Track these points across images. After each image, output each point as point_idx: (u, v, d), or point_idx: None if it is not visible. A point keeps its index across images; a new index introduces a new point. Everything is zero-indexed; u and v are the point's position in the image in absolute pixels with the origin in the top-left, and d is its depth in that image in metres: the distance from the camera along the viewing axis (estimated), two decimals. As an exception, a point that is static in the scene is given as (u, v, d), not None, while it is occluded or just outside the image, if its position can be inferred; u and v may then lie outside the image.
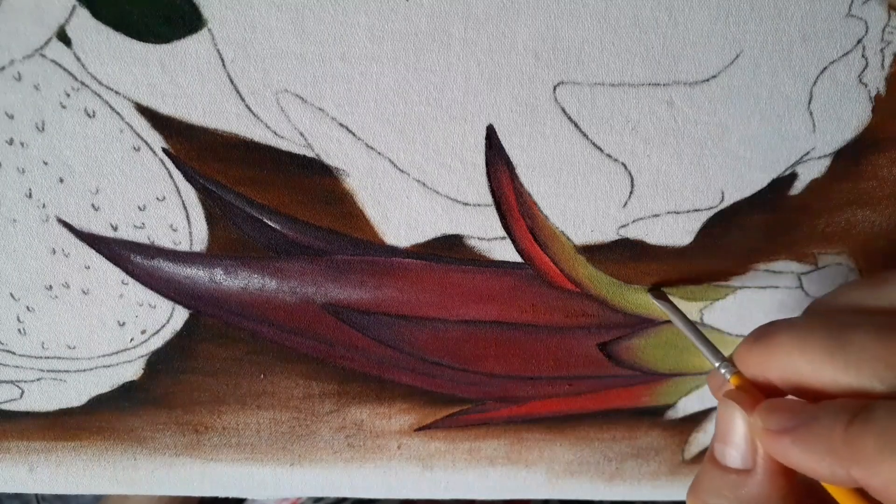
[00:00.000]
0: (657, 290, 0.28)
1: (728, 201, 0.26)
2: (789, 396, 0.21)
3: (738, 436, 0.21)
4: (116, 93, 0.23)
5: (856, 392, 0.19)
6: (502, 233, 0.26)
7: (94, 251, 0.26)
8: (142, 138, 0.24)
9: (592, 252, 0.27)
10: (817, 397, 0.20)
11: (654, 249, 0.27)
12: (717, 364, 0.23)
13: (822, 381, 0.20)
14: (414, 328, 0.28)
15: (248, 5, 0.22)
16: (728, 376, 0.22)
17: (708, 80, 0.24)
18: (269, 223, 0.26)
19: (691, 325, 0.26)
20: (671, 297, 0.28)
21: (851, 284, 0.23)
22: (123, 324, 0.27)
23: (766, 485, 0.21)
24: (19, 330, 0.27)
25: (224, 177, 0.25)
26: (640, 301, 0.28)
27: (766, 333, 0.21)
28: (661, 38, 0.23)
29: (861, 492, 0.19)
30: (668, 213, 0.26)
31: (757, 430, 0.20)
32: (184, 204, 0.25)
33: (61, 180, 0.24)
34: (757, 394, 0.21)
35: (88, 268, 0.26)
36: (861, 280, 0.23)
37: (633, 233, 0.27)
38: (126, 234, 0.26)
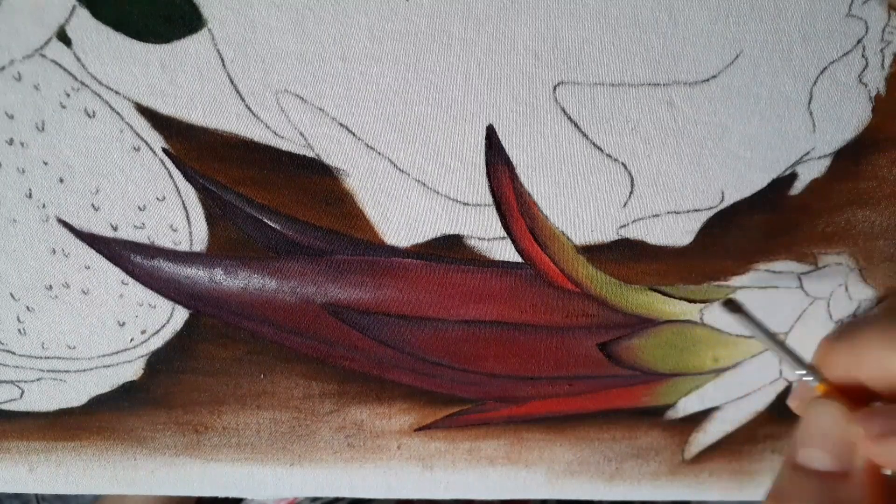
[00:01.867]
0: (732, 303, 0.27)
1: (728, 201, 0.26)
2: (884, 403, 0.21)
3: (830, 437, 0.21)
4: (116, 93, 0.23)
5: None
6: (502, 233, 0.26)
7: (94, 251, 0.26)
8: (142, 138, 0.24)
9: (592, 252, 0.27)
10: None
11: (654, 249, 0.27)
12: (802, 372, 0.23)
13: None
14: (414, 328, 0.28)
15: (248, 5, 0.22)
16: (815, 383, 0.22)
17: (708, 80, 0.24)
18: (269, 223, 0.26)
19: (772, 336, 0.25)
20: (746, 310, 0.27)
21: None
22: (123, 324, 0.27)
23: (863, 487, 0.20)
24: (19, 330, 0.27)
25: (224, 177, 0.25)
26: (640, 301, 0.28)
27: (849, 333, 0.21)
28: (661, 38, 0.23)
29: None
30: (668, 213, 0.26)
31: (859, 437, 0.20)
32: (184, 204, 0.25)
33: (61, 180, 0.24)
34: (846, 398, 0.21)
35: (88, 268, 0.26)
36: None
37: (633, 233, 0.27)
38: (126, 234, 0.26)
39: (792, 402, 0.24)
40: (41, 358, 0.28)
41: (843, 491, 0.21)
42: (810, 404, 0.22)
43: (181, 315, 0.27)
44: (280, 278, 0.27)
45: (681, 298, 0.28)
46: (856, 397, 0.21)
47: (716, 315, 0.29)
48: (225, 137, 0.24)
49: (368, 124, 0.24)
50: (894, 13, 0.23)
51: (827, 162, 0.26)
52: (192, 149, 0.24)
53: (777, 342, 0.25)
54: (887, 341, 0.20)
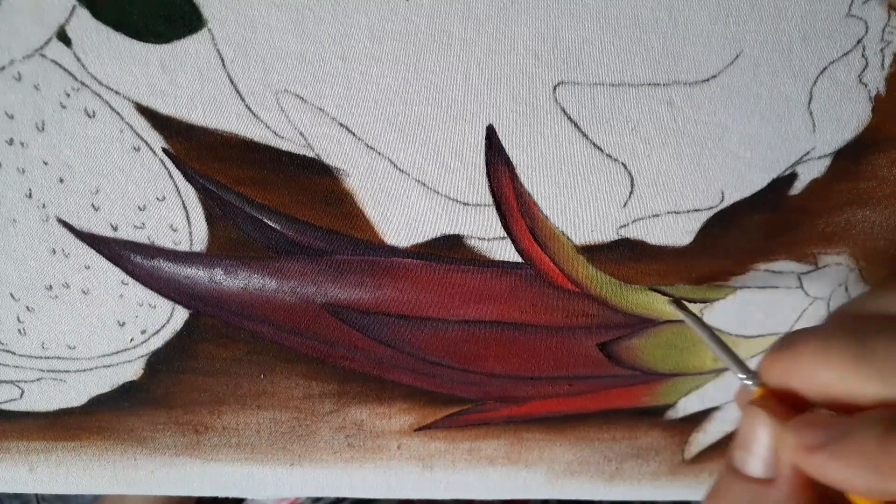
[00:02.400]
0: (678, 301, 0.28)
1: (728, 201, 0.26)
2: (821, 410, 0.21)
3: (760, 445, 0.21)
4: (116, 93, 0.23)
5: (883, 401, 0.19)
6: (502, 233, 0.26)
7: (94, 251, 0.26)
8: (142, 138, 0.24)
9: (592, 252, 0.27)
10: (844, 407, 0.20)
11: (654, 249, 0.27)
12: (742, 376, 0.23)
13: (847, 389, 0.19)
14: (414, 328, 0.28)
15: (248, 5, 0.22)
16: (753, 388, 0.22)
17: (708, 80, 0.24)
18: (269, 223, 0.26)
19: (715, 336, 0.25)
20: (691, 307, 0.27)
21: (876, 290, 0.23)
22: (123, 324, 0.27)
23: (788, 495, 0.20)
24: (19, 330, 0.27)
25: (224, 177, 0.25)
26: (640, 301, 0.28)
27: (789, 343, 0.21)
28: (661, 38, 0.23)
29: None
30: (668, 213, 0.26)
31: (789, 445, 0.20)
32: (184, 204, 0.25)
33: (61, 180, 0.24)
34: (782, 405, 0.21)
35: (88, 268, 0.26)
36: (886, 285, 0.23)
37: (633, 233, 0.27)
38: (126, 234, 0.26)
39: (737, 405, 0.24)
40: (41, 358, 0.28)
41: (769, 497, 0.21)
42: (745, 409, 0.22)
43: (181, 315, 0.27)
44: (280, 278, 0.27)
45: (680, 298, 0.28)
46: (794, 405, 0.21)
47: (716, 315, 0.29)
48: (225, 137, 0.24)
49: (368, 124, 0.24)
50: (894, 13, 0.23)
51: (827, 162, 0.26)
52: (192, 149, 0.24)
53: (720, 344, 0.25)
54: (823, 353, 0.20)
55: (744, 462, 0.21)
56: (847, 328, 0.20)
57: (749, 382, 0.23)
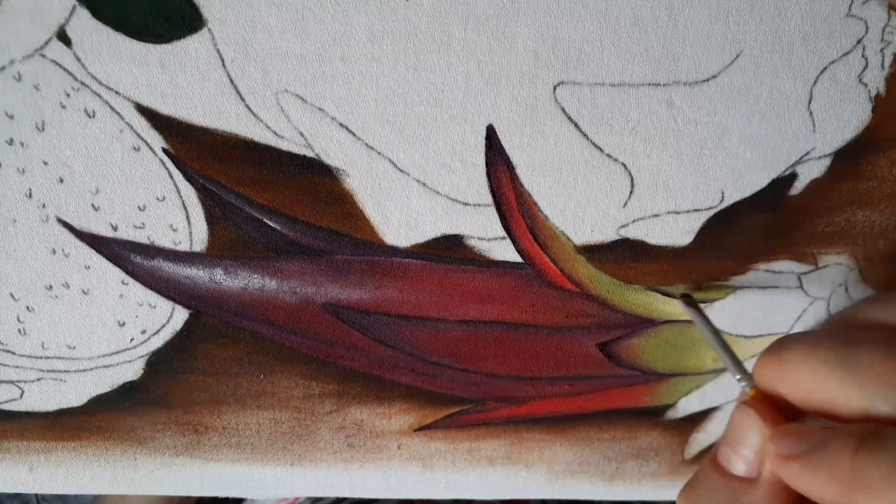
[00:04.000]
0: (688, 297, 0.28)
1: (728, 201, 0.26)
2: (813, 418, 0.21)
3: (747, 445, 0.21)
4: (116, 93, 0.23)
5: (863, 411, 0.19)
6: (502, 233, 0.26)
7: (94, 251, 0.26)
8: (142, 138, 0.24)
9: (592, 252, 0.27)
10: (828, 414, 0.20)
11: (654, 249, 0.27)
12: (738, 376, 0.23)
13: (830, 397, 0.19)
14: (414, 328, 0.28)
15: (248, 5, 0.22)
16: (747, 389, 0.22)
17: (708, 80, 0.24)
18: (269, 223, 0.26)
19: (718, 335, 0.25)
20: (701, 305, 0.27)
21: (871, 299, 0.23)
22: (123, 324, 0.27)
23: (768, 496, 0.21)
24: (19, 330, 0.27)
25: (224, 177, 0.25)
26: (641, 301, 0.28)
27: (779, 347, 0.21)
28: (661, 38, 0.23)
29: None
30: (668, 213, 0.26)
31: (769, 452, 0.20)
32: (184, 204, 0.25)
33: (61, 180, 0.24)
34: (771, 409, 0.21)
35: (88, 268, 0.26)
36: (881, 294, 0.23)
37: (633, 233, 0.27)
38: (126, 234, 0.26)
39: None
40: (41, 358, 0.28)
41: (748, 496, 0.21)
42: (735, 407, 0.22)
43: (181, 315, 0.27)
44: (280, 278, 0.27)
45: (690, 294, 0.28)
46: (786, 409, 0.21)
47: (716, 315, 0.29)
48: (225, 137, 0.24)
49: (368, 124, 0.24)
50: (894, 13, 0.23)
51: (827, 162, 0.26)
52: (192, 149, 0.24)
53: (721, 343, 0.25)
54: (808, 360, 0.20)
55: (728, 459, 0.22)
56: (835, 336, 0.20)
57: (743, 384, 0.23)
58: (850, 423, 0.19)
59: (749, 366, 0.25)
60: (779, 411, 0.21)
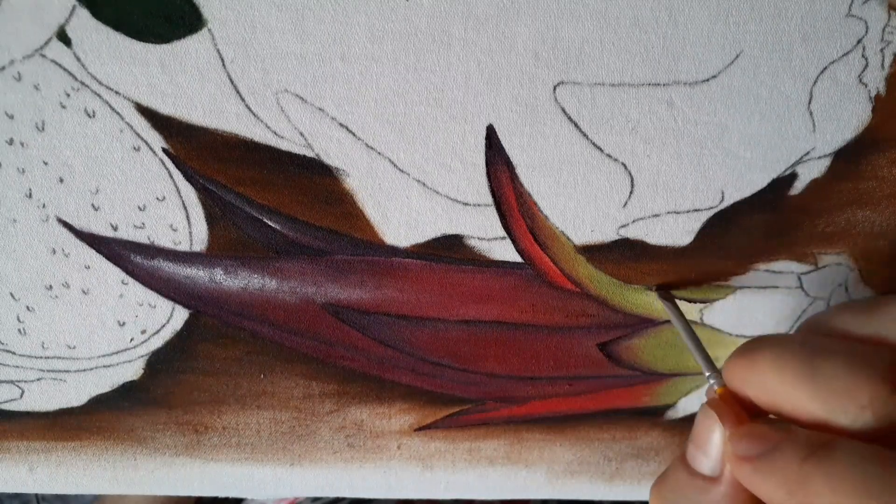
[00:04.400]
0: (665, 291, 0.28)
1: (728, 201, 0.26)
2: (773, 419, 0.21)
3: (711, 445, 0.21)
4: (116, 93, 0.23)
5: (823, 420, 0.19)
6: (502, 233, 0.26)
7: (94, 251, 0.26)
8: (142, 138, 0.24)
9: (592, 252, 0.27)
10: (790, 419, 0.20)
11: (654, 249, 0.27)
12: (707, 373, 0.23)
13: (793, 404, 0.20)
14: (414, 328, 0.28)
15: (248, 5, 0.22)
16: (716, 387, 0.23)
17: (708, 80, 0.24)
18: (269, 223, 0.26)
19: (690, 330, 0.26)
20: (677, 301, 0.28)
21: (846, 305, 0.23)
22: (123, 324, 0.27)
23: (729, 496, 0.21)
24: (19, 330, 0.27)
25: (224, 177, 0.25)
26: (640, 301, 0.28)
27: (749, 349, 0.21)
28: (661, 38, 0.23)
29: None
30: (668, 213, 0.26)
31: (727, 452, 0.21)
32: (184, 204, 0.25)
33: (61, 180, 0.24)
34: (737, 408, 0.21)
35: (88, 268, 0.26)
36: (857, 302, 0.24)
37: (633, 233, 0.27)
38: (126, 234, 0.26)
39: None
40: (41, 358, 0.28)
41: (710, 494, 0.21)
42: (701, 406, 0.22)
43: (181, 315, 0.27)
44: (280, 278, 0.27)
45: (681, 298, 0.28)
46: (750, 410, 0.21)
47: (716, 315, 0.29)
48: (225, 137, 0.24)
49: (368, 124, 0.24)
50: (894, 13, 0.23)
51: (827, 162, 0.26)
52: (192, 149, 0.24)
53: (694, 338, 0.25)
54: (775, 365, 0.20)
55: (693, 458, 0.22)
56: (803, 343, 0.21)
57: (712, 381, 0.23)
58: (809, 428, 0.19)
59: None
60: (745, 409, 0.21)
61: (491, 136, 0.24)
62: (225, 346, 0.28)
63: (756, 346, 0.21)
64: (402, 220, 0.26)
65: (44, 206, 0.25)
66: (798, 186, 0.26)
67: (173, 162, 0.24)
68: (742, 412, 0.21)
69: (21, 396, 0.29)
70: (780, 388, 0.20)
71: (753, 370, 0.21)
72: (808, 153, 0.25)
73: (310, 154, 0.24)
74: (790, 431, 0.19)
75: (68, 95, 0.23)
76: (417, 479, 0.33)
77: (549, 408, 0.31)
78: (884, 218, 0.27)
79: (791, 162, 0.26)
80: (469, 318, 0.28)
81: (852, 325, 0.22)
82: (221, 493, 0.33)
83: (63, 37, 0.22)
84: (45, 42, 0.22)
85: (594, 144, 0.25)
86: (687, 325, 0.26)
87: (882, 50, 0.24)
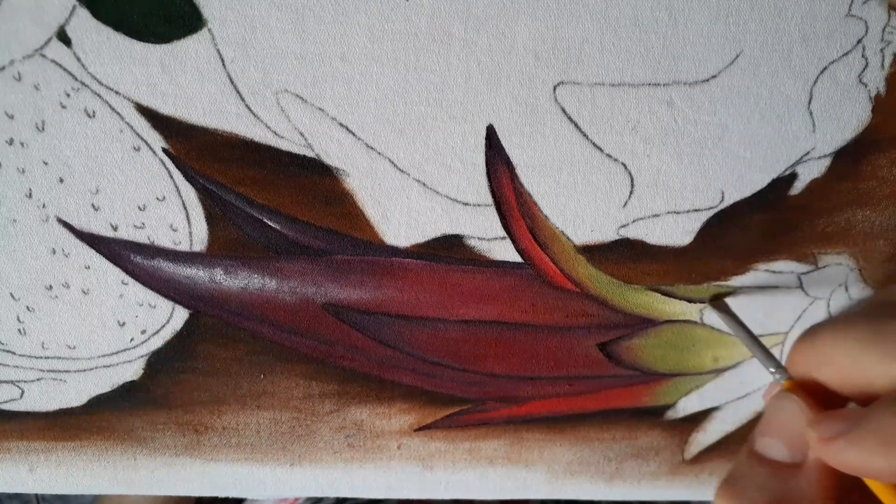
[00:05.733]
0: (718, 301, 0.28)
1: (728, 201, 0.26)
2: (850, 404, 0.21)
3: (787, 430, 0.21)
4: (116, 93, 0.23)
5: None
6: (502, 233, 0.26)
7: (94, 251, 0.26)
8: (142, 138, 0.24)
9: (592, 252, 0.27)
10: (863, 393, 0.20)
11: (654, 249, 0.27)
12: (772, 370, 0.24)
13: (866, 374, 0.20)
14: (414, 328, 0.28)
15: (248, 5, 0.22)
16: (781, 382, 0.23)
17: (708, 80, 0.24)
18: (269, 223, 0.26)
19: (753, 336, 0.26)
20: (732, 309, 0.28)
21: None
22: (123, 324, 0.27)
23: (816, 478, 0.21)
24: (19, 330, 0.27)
25: (224, 177, 0.25)
26: (641, 301, 0.28)
27: (811, 335, 0.22)
28: (661, 38, 0.23)
29: None
30: (668, 213, 0.26)
31: (811, 438, 0.20)
32: (184, 204, 0.25)
33: (61, 180, 0.24)
34: (808, 397, 0.22)
35: (88, 268, 0.26)
36: None
37: (633, 233, 0.27)
38: (126, 234, 0.26)
39: (764, 398, 0.25)
40: (41, 358, 0.28)
41: (794, 481, 0.21)
42: (773, 397, 0.22)
43: (181, 315, 0.27)
44: (280, 278, 0.27)
45: (681, 298, 0.28)
46: (823, 397, 0.21)
47: (716, 315, 0.29)
48: (225, 137, 0.24)
49: (368, 124, 0.24)
50: (894, 13, 0.23)
51: (827, 162, 0.26)
52: (192, 149, 0.24)
53: (756, 342, 0.26)
54: (841, 340, 0.20)
55: (769, 447, 0.22)
56: (863, 315, 0.21)
57: (777, 376, 0.23)
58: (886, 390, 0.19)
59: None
60: (815, 401, 0.21)
61: (491, 136, 0.24)
62: (225, 346, 0.28)
63: (817, 331, 0.21)
64: (402, 220, 0.26)
65: (44, 206, 0.25)
66: (798, 186, 0.26)
67: (173, 162, 0.24)
68: (813, 401, 0.21)
69: (21, 396, 0.29)
70: (851, 363, 0.20)
71: (820, 354, 0.21)
72: (808, 153, 0.25)
73: (310, 154, 0.24)
74: (874, 401, 0.19)
75: (68, 95, 0.23)
76: (417, 479, 0.33)
77: (549, 408, 0.31)
78: (884, 218, 0.27)
79: (791, 162, 0.26)
80: (469, 318, 0.28)
81: None
82: (221, 494, 0.33)
83: (63, 37, 0.22)
84: (45, 42, 0.22)
85: (594, 144, 0.25)
86: (748, 332, 0.26)
87: (882, 50, 0.24)
